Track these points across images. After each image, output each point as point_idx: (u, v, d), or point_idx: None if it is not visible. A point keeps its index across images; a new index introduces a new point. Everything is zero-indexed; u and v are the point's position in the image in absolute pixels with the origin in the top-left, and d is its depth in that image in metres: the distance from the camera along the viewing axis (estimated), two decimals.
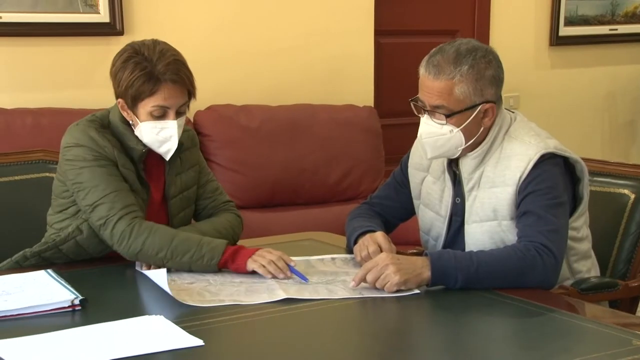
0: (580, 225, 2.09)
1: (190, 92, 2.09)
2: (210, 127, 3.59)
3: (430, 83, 2.00)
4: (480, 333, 1.73)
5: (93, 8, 3.46)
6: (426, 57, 2.03)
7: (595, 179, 2.40)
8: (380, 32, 4.15)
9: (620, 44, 4.87)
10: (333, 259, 2.14)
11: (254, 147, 3.59)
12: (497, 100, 2.03)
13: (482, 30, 4.46)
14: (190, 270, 2.00)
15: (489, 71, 2.00)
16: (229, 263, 2.00)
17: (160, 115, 2.05)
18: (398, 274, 1.85)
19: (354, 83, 4.04)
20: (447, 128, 2.00)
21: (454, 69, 1.97)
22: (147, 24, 3.56)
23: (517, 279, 1.90)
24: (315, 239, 2.41)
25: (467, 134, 2.01)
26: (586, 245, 2.13)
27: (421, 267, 1.88)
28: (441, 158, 2.11)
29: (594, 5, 4.74)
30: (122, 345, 1.56)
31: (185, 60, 2.09)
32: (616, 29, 4.81)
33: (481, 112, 2.00)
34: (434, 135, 2.02)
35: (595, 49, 4.82)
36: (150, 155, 2.13)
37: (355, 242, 2.12)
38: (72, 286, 1.85)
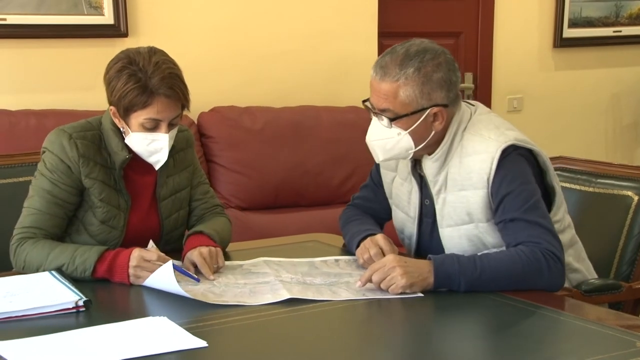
0: (561, 217, 2.06)
1: (183, 104, 2.07)
2: (213, 128, 3.59)
3: (377, 85, 1.97)
4: (483, 335, 1.73)
5: (97, 10, 3.47)
6: (378, 58, 2.00)
7: (599, 180, 2.40)
8: (384, 34, 4.15)
9: (624, 46, 4.87)
10: (336, 260, 2.14)
11: (258, 149, 3.60)
12: (449, 103, 1.97)
13: (486, 32, 4.46)
14: (75, 280, 1.95)
15: (437, 74, 1.94)
16: (107, 276, 1.96)
17: (152, 127, 2.03)
18: (405, 277, 1.85)
19: (357, 85, 4.04)
20: (395, 131, 1.97)
21: (399, 71, 1.93)
22: (151, 26, 3.58)
23: (522, 284, 1.88)
24: (318, 240, 2.41)
25: (416, 137, 1.97)
26: (569, 233, 2.10)
27: (427, 271, 1.87)
28: (395, 159, 2.08)
29: (598, 7, 4.73)
30: (125, 346, 1.56)
31: (180, 72, 2.06)
32: (620, 31, 4.81)
33: (430, 116, 1.96)
34: (382, 138, 1.99)
35: (599, 51, 4.81)
36: (139, 157, 2.10)
37: (357, 247, 2.11)
38: (76, 287, 1.85)
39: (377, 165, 2.24)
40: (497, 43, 4.44)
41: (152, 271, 1.91)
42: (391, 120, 1.96)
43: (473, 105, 2.07)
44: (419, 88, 1.93)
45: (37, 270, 2.01)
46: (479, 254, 1.94)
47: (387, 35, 4.18)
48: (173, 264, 1.89)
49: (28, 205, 2.10)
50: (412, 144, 1.98)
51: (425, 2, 4.33)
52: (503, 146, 1.94)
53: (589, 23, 4.72)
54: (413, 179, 2.09)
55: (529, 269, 1.88)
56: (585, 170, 2.43)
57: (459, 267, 1.87)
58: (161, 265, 1.91)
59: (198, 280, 1.94)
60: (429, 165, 2.03)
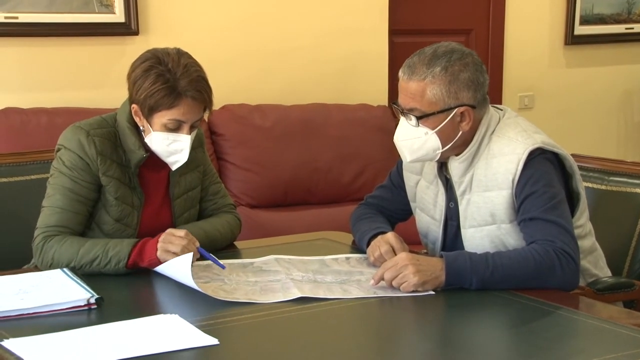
0: (583, 223, 2.06)
1: (206, 107, 2.07)
2: (224, 126, 3.60)
3: (405, 84, 1.98)
4: (495, 333, 1.73)
5: (108, 8, 3.47)
6: (407, 59, 2.01)
7: (610, 178, 2.39)
8: (394, 31, 4.14)
9: (636, 43, 4.84)
10: (347, 258, 2.14)
11: (268, 147, 3.60)
12: (477, 104, 1.98)
13: (497, 29, 4.44)
14: (103, 273, 1.99)
15: (464, 74, 1.95)
16: (138, 262, 1.99)
17: (175, 128, 2.04)
18: (417, 276, 1.85)
19: (368, 82, 4.04)
20: (422, 130, 1.98)
21: (426, 70, 1.95)
22: (162, 24, 3.58)
23: (534, 283, 1.88)
24: (329, 238, 2.41)
25: (443, 137, 1.98)
26: (590, 240, 2.10)
27: (439, 269, 1.86)
28: (423, 161, 2.09)
29: (610, 4, 4.71)
30: (137, 344, 1.56)
31: (206, 74, 2.07)
32: (632, 28, 4.79)
33: (457, 116, 1.97)
34: (410, 138, 2.00)
35: (610, 48, 4.79)
36: (153, 155, 2.11)
37: (368, 245, 2.11)
38: (88, 285, 1.85)
39: (399, 168, 2.26)
40: (508, 40, 4.43)
41: (179, 246, 1.94)
42: (418, 118, 1.97)
43: (501, 110, 2.08)
44: (446, 87, 1.95)
45: (66, 266, 2.00)
46: (491, 252, 1.94)
47: (398, 32, 4.17)
48: (200, 249, 1.95)
49: (50, 205, 2.09)
50: (439, 144, 1.98)
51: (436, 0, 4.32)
52: (530, 148, 1.95)
53: (601, 20, 4.70)
54: (439, 182, 2.09)
55: (540, 268, 1.87)
56: (597, 168, 2.42)
57: (470, 265, 1.86)
58: (187, 241, 1.96)
59: (224, 267, 1.97)
60: (455, 166, 2.03)
